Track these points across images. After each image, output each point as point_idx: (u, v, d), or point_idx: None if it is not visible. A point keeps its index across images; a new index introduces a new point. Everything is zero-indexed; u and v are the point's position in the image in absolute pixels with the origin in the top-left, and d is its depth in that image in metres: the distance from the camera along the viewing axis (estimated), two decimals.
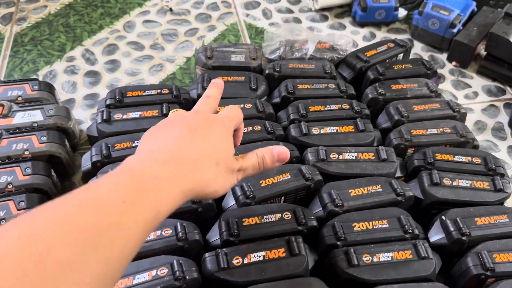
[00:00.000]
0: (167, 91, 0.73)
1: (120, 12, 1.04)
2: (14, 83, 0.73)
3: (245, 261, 0.54)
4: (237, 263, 0.53)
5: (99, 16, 1.02)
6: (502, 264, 0.55)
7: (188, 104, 0.73)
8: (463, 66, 0.96)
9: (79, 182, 0.72)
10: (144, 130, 0.66)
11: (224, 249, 0.54)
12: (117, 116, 0.69)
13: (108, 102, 0.71)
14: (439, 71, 0.95)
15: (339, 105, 0.73)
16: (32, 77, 0.86)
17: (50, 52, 0.93)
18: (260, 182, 0.61)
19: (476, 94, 0.92)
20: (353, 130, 0.70)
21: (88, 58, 0.93)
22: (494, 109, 0.89)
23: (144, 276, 0.52)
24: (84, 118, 0.82)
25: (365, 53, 0.83)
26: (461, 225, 0.58)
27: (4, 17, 1.00)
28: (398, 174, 0.67)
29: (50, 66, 0.90)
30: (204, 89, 0.73)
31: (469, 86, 0.93)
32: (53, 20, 1.00)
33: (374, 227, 0.58)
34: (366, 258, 0.55)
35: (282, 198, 0.62)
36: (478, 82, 0.94)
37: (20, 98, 0.71)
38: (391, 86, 0.77)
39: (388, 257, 0.55)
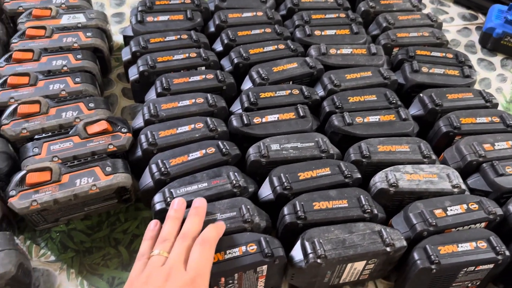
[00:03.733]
0: (189, 0, 0.85)
1: None
2: None
3: (263, 120, 0.67)
4: (257, 121, 0.67)
5: None
6: (466, 124, 0.70)
7: (207, 13, 0.85)
8: None
9: (115, 80, 0.84)
10: (174, 30, 0.79)
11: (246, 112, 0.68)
12: (149, 18, 0.81)
13: (140, 8, 0.82)
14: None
15: (337, 14, 0.86)
16: None
17: None
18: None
19: (452, 19, 1.06)
20: (348, 33, 0.83)
21: None
22: (467, 31, 1.03)
23: (185, 128, 0.65)
24: (114, 31, 0.93)
25: None
26: (435, 98, 0.72)
27: None
28: (385, 67, 0.81)
29: None
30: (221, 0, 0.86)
31: (447, 13, 1.07)
32: None
33: (365, 99, 0.72)
34: (358, 119, 0.69)
35: (290, 82, 0.76)
36: (454, 10, 1.08)
37: (63, 5, 0.83)
38: (380, 1, 0.90)
39: (376, 118, 0.69)
